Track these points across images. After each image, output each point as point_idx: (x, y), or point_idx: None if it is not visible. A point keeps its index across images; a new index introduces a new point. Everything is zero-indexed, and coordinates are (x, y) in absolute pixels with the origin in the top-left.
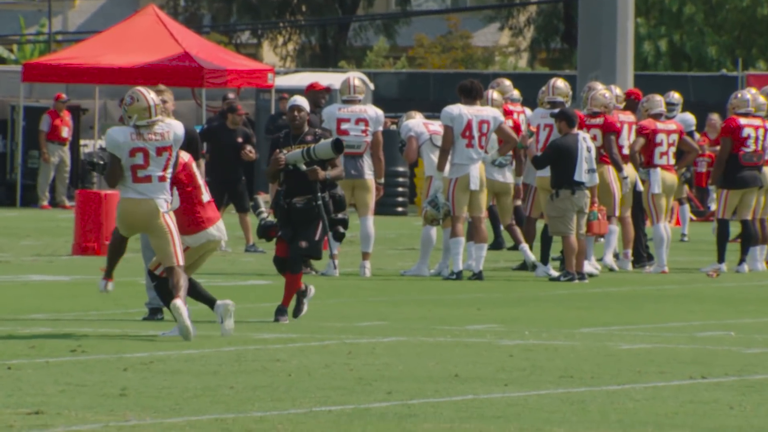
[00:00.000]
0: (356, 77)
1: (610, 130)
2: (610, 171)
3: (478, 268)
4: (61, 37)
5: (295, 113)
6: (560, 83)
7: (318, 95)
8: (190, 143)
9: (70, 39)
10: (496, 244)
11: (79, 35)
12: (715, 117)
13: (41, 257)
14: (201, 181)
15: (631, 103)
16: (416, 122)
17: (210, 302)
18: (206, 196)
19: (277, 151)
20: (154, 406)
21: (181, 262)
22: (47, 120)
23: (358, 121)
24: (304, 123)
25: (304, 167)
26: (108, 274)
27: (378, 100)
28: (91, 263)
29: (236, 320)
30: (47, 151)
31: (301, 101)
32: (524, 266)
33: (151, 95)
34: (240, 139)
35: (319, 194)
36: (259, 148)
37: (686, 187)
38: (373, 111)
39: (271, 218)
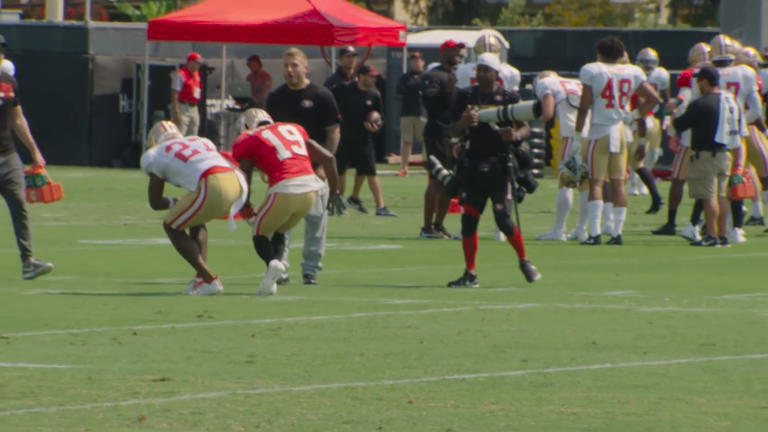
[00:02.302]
0: (491, 35)
1: None
2: (754, 131)
3: (616, 232)
4: None
5: (482, 73)
6: (728, 40)
7: (452, 53)
8: (322, 106)
9: None
10: (655, 204)
11: None
12: None
13: None
14: (275, 142)
15: None
16: (552, 80)
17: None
18: (282, 154)
19: (469, 107)
20: (282, 374)
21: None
22: (180, 79)
23: None
24: (492, 82)
25: (496, 127)
26: (206, 277)
27: (513, 58)
28: (218, 226)
29: (366, 284)
30: (179, 111)
31: (489, 60)
32: (665, 230)
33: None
34: (369, 102)
35: (510, 155)
36: (388, 108)
37: None
38: (508, 70)
39: (453, 174)
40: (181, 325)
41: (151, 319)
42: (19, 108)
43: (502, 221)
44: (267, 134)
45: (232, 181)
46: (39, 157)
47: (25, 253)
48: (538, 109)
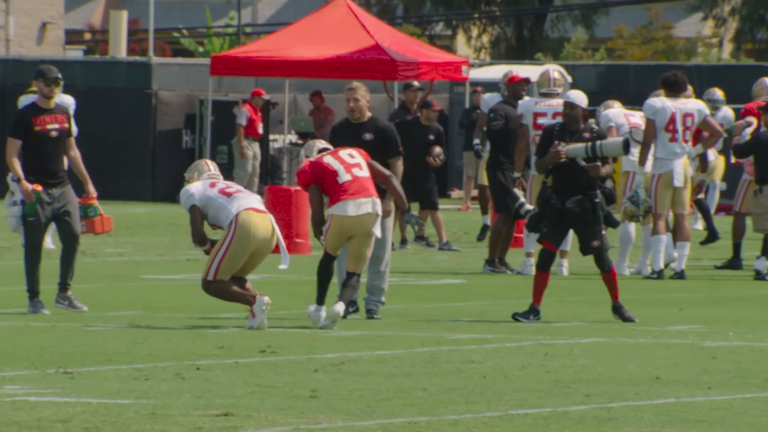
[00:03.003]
0: (556, 70)
1: None
2: None
3: (680, 266)
4: (250, 30)
5: (568, 110)
6: None
7: (518, 87)
8: (384, 139)
9: (260, 31)
10: (711, 236)
11: (268, 27)
12: None
13: None
14: (336, 166)
15: None
16: (617, 113)
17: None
18: (343, 177)
19: (556, 143)
20: (346, 409)
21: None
22: (246, 114)
23: (555, 115)
24: (579, 119)
25: (583, 163)
26: (251, 301)
27: None
28: (280, 261)
29: (429, 319)
30: (246, 146)
31: (575, 97)
32: (729, 264)
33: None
34: (432, 137)
35: (598, 191)
36: (451, 143)
37: None
38: None
39: (534, 208)
40: (244, 360)
41: (214, 354)
42: (72, 139)
43: (601, 257)
44: (328, 159)
45: (264, 222)
46: (91, 189)
47: (63, 285)
48: (627, 145)
